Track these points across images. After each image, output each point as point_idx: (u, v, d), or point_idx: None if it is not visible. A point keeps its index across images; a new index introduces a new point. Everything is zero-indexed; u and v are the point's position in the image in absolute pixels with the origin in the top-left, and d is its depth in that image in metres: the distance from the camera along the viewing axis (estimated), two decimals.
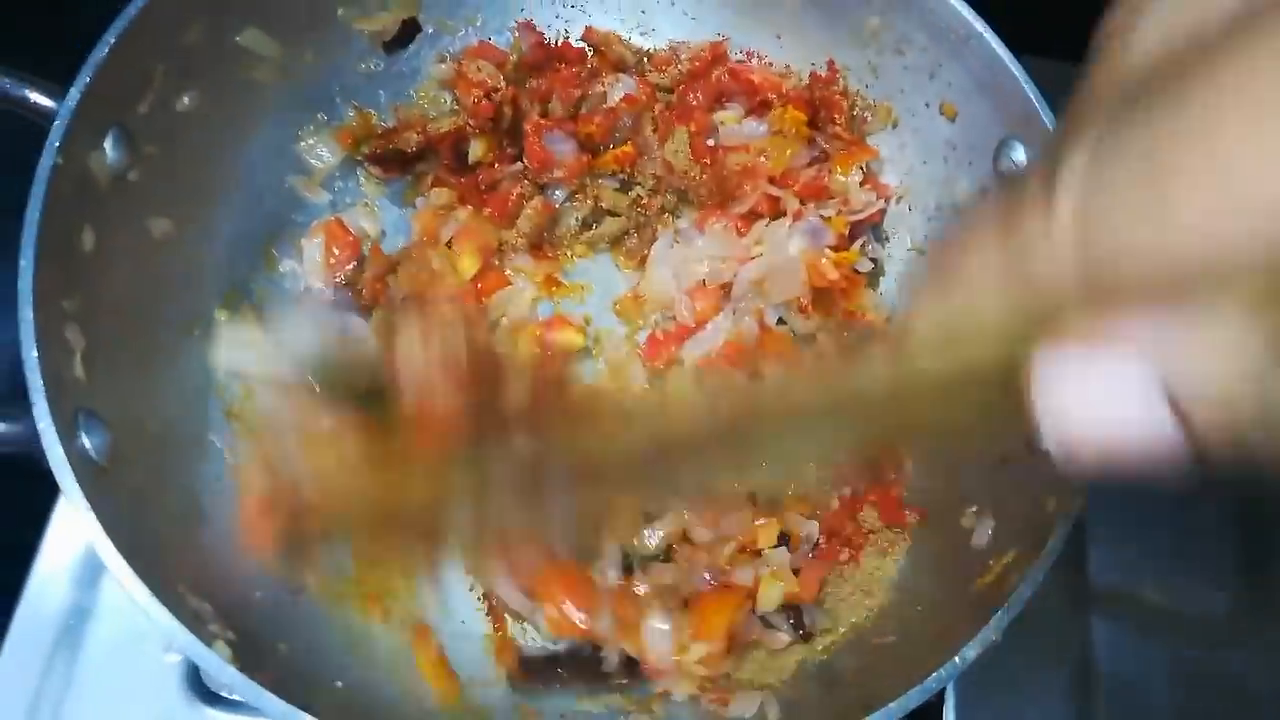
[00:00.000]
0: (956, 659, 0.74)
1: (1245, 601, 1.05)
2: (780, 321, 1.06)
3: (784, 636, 0.93)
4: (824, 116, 1.12)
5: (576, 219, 1.11)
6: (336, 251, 1.05)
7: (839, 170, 1.10)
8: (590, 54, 1.16)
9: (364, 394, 0.58)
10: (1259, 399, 0.33)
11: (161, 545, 0.78)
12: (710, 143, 1.11)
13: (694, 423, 0.54)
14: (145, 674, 0.95)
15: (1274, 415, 0.33)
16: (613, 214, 1.12)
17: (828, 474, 0.89)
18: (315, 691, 0.77)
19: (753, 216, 1.09)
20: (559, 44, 1.16)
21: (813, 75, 1.13)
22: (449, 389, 0.55)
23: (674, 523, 0.93)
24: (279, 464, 0.58)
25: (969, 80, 1.01)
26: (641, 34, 1.18)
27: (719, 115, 1.12)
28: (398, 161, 1.10)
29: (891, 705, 0.73)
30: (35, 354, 0.74)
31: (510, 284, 1.08)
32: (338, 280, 1.04)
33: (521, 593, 0.92)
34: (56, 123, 0.79)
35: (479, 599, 0.96)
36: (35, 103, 0.81)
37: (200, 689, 0.94)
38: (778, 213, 1.09)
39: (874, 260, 1.10)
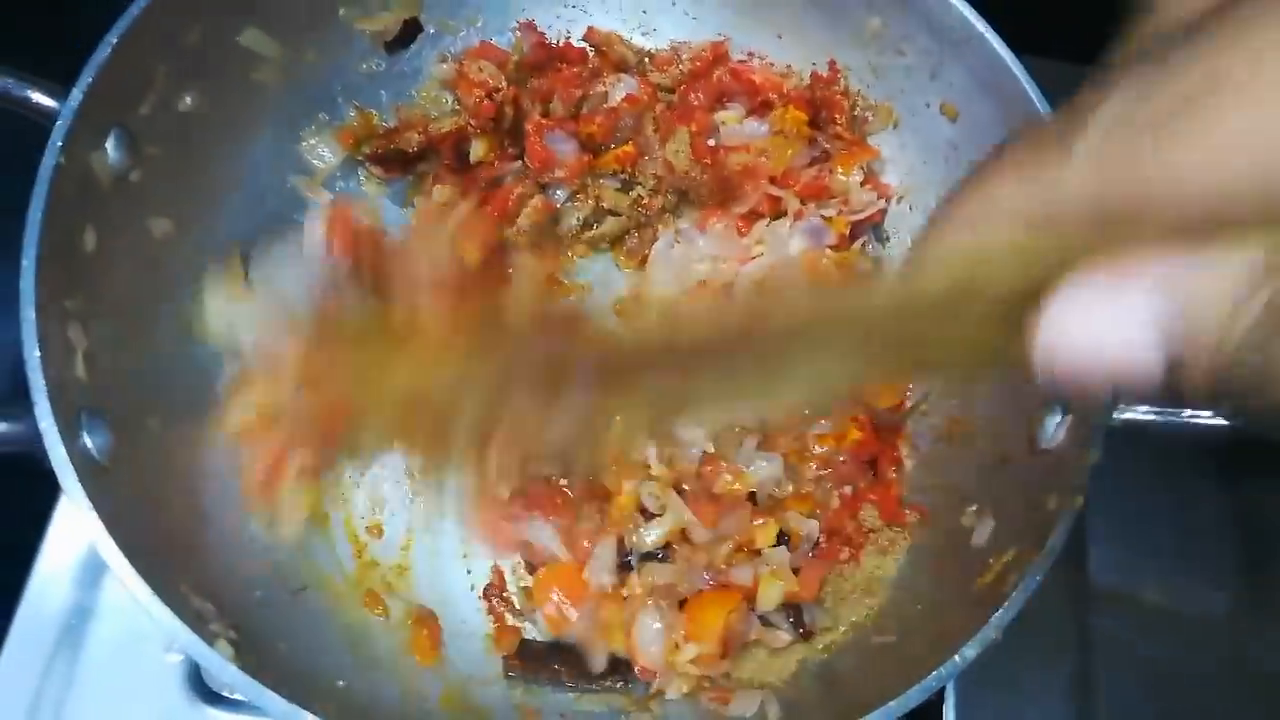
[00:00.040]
0: (956, 658, 0.74)
1: (1245, 601, 1.05)
2: None
3: (784, 635, 0.93)
4: (825, 116, 1.12)
5: (577, 219, 1.11)
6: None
7: (840, 170, 1.10)
8: (592, 54, 1.17)
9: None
10: (1249, 346, 0.35)
11: (163, 545, 0.78)
12: (711, 143, 1.11)
13: (709, 328, 0.54)
14: (147, 674, 0.95)
15: (1258, 364, 0.35)
16: (614, 214, 1.12)
17: (832, 400, 0.89)
18: (317, 690, 0.78)
19: (753, 216, 1.09)
20: (560, 44, 1.16)
21: (814, 75, 1.13)
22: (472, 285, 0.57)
23: (673, 521, 0.94)
24: (288, 393, 0.59)
25: (970, 80, 1.01)
26: (643, 34, 1.18)
27: (720, 115, 1.12)
28: (399, 161, 1.10)
29: (891, 704, 0.73)
30: (37, 353, 0.74)
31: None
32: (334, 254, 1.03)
33: (506, 537, 0.92)
34: (59, 123, 0.80)
35: (479, 598, 0.96)
36: (37, 103, 0.82)
37: (201, 689, 0.95)
38: (778, 213, 1.09)
39: (875, 260, 1.10)
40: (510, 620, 0.95)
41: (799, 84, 1.13)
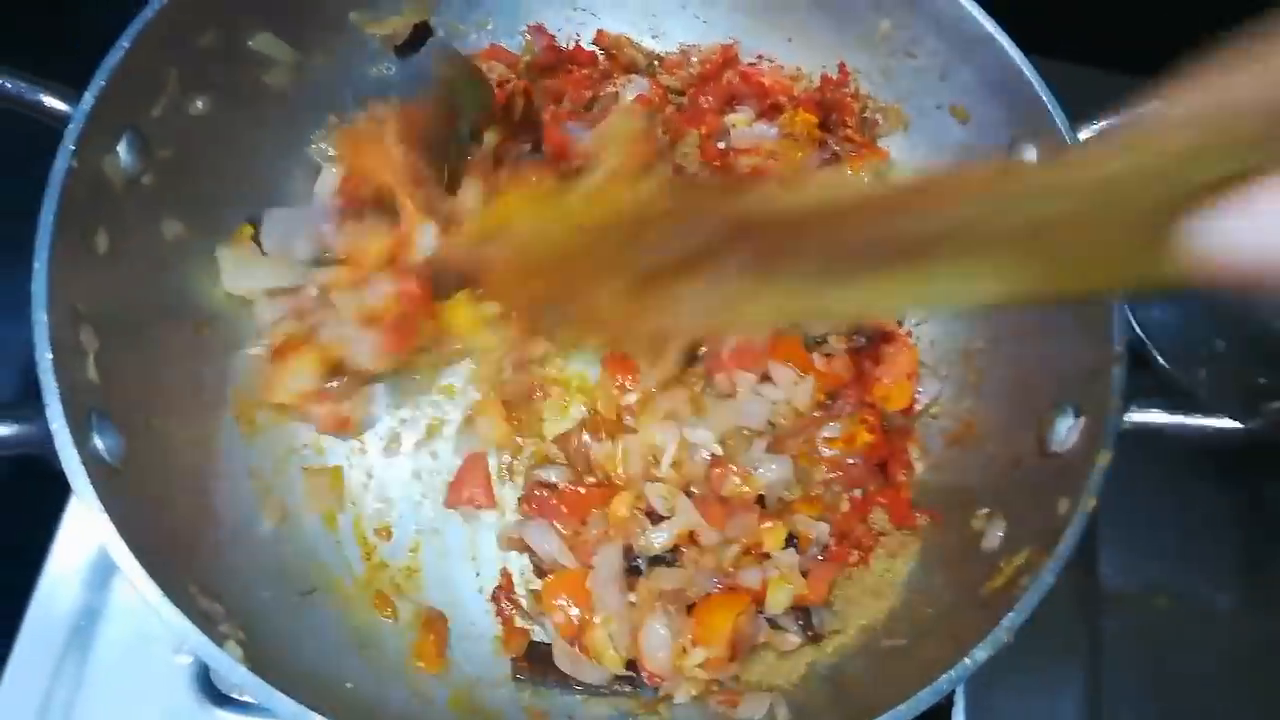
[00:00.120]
0: (967, 660, 0.74)
1: (1255, 604, 1.05)
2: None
3: (793, 638, 0.93)
4: (835, 119, 1.12)
5: None
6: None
7: (850, 173, 1.10)
8: (601, 57, 1.17)
9: None
10: None
11: (173, 546, 0.78)
12: (721, 145, 1.11)
13: (870, 212, 0.55)
14: (156, 675, 0.95)
15: None
16: None
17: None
18: (325, 692, 0.77)
19: None
20: (570, 47, 1.16)
21: (824, 78, 1.13)
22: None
23: (681, 524, 0.93)
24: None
25: (980, 82, 1.00)
26: (653, 37, 1.18)
27: (730, 118, 1.13)
28: None
29: (901, 707, 0.73)
30: (49, 356, 0.74)
31: None
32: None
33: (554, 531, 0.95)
34: (71, 126, 0.80)
35: (488, 600, 0.96)
36: (50, 106, 0.82)
37: (210, 690, 0.95)
38: None
39: None
40: (519, 622, 0.95)
41: (809, 87, 1.13)
